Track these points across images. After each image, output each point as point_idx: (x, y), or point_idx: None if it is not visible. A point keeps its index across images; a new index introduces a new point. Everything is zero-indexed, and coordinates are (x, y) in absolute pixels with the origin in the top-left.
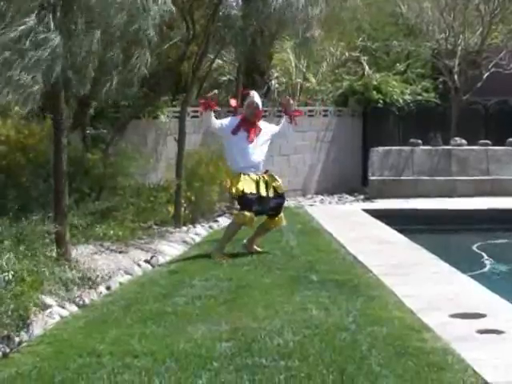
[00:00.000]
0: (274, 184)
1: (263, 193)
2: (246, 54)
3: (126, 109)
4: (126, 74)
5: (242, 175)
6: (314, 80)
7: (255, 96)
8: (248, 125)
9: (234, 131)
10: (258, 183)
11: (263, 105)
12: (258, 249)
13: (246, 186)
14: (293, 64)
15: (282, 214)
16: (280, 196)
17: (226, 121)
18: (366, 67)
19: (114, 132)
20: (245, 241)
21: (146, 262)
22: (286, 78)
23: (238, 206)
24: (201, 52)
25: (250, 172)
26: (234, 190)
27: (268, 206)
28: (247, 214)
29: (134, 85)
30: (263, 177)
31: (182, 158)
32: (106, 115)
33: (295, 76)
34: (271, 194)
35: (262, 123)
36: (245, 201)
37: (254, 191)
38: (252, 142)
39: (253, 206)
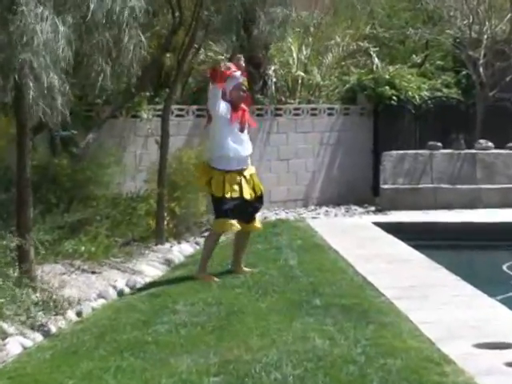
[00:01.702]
0: (256, 183)
1: (247, 195)
2: (239, 43)
3: (102, 106)
4: (121, 60)
5: (225, 173)
6: (317, 73)
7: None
8: (237, 110)
9: (232, 119)
10: (240, 184)
11: (259, 102)
12: (247, 269)
13: (230, 187)
14: (293, 55)
15: (257, 216)
16: (260, 198)
17: (223, 104)
18: (376, 59)
19: (87, 133)
20: (230, 265)
21: (123, 283)
22: (284, 70)
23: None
24: (188, 41)
25: (237, 169)
26: (213, 189)
27: (248, 212)
28: (230, 221)
29: (132, 71)
30: (249, 175)
31: (165, 164)
32: (78, 114)
33: (296, 68)
34: (252, 197)
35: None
36: (224, 205)
37: (238, 195)
38: (243, 131)
39: (232, 212)
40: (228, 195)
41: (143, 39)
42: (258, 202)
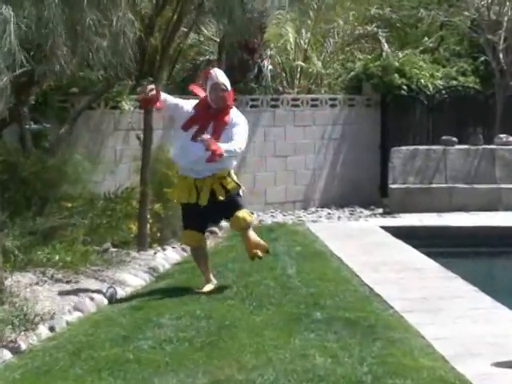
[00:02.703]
0: (225, 186)
1: (203, 202)
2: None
3: (78, 96)
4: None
5: (179, 178)
6: (316, 60)
7: (219, 74)
8: (207, 117)
9: (186, 126)
10: (196, 189)
11: (253, 91)
12: (213, 281)
13: (181, 192)
14: (291, 39)
15: (241, 212)
16: (229, 196)
17: (186, 105)
18: (385, 44)
19: (61, 127)
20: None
21: (102, 294)
22: (282, 56)
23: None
24: (174, 22)
25: (191, 174)
26: (174, 197)
27: (216, 216)
28: (188, 232)
29: (126, 52)
30: (208, 180)
31: (149, 160)
32: (51, 105)
33: (294, 55)
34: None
35: (233, 114)
36: (183, 214)
37: (193, 200)
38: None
39: (192, 220)
40: (183, 200)
41: (133, 19)
42: (227, 199)
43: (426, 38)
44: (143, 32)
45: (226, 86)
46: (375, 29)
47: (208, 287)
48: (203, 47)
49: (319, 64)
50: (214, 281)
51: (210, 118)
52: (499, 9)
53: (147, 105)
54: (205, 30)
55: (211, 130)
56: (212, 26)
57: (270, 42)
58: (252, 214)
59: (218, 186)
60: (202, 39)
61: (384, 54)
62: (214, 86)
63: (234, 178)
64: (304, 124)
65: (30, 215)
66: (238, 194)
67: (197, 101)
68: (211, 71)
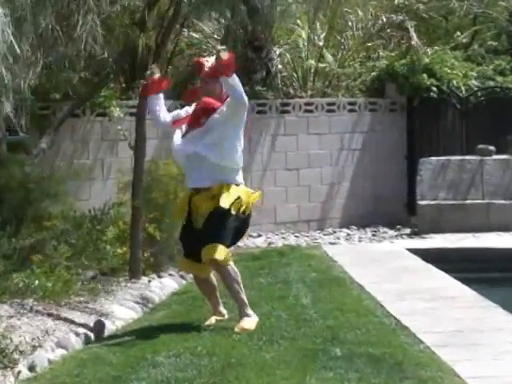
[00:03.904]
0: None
1: (198, 225)
2: (235, 20)
3: (59, 102)
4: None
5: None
6: (332, 60)
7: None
8: (196, 111)
9: (176, 123)
10: (189, 204)
11: (260, 95)
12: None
13: (178, 209)
14: (304, 35)
15: (215, 245)
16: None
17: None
18: (414, 36)
19: (41, 136)
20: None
21: (88, 329)
22: (293, 55)
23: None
24: (171, 15)
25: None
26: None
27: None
28: (184, 261)
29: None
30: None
31: (142, 174)
32: (31, 112)
33: (307, 53)
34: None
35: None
36: (179, 236)
37: (184, 219)
38: (188, 132)
39: (188, 245)
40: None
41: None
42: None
43: (459, 33)
44: (133, 29)
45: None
46: (401, 17)
47: (211, 320)
48: (204, 45)
49: (334, 64)
50: (224, 312)
51: (197, 110)
52: None
53: (148, 92)
54: (204, 27)
55: (195, 119)
56: (214, 22)
57: (280, 38)
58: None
59: (208, 205)
60: (200, 37)
61: (413, 47)
62: (203, 78)
63: (233, 193)
64: (319, 132)
65: (5, 236)
66: (223, 217)
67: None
68: (201, 60)
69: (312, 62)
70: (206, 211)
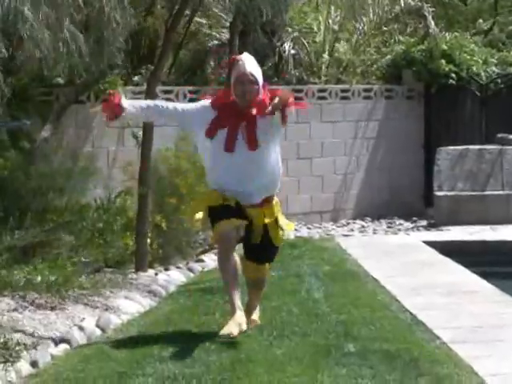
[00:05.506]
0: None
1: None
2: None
3: (63, 88)
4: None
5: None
6: (345, 47)
7: (247, 62)
8: (234, 118)
9: (210, 132)
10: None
11: (272, 80)
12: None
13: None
14: (320, 18)
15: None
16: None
17: (191, 108)
18: (431, 21)
19: (44, 124)
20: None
21: (93, 323)
22: (307, 39)
23: None
24: (180, 1)
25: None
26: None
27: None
28: (225, 221)
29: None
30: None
31: (148, 164)
32: (31, 99)
33: (323, 37)
34: None
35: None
36: (211, 214)
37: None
38: (233, 150)
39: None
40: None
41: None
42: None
43: (481, 21)
44: (142, 12)
45: (255, 77)
46: (419, 3)
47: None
48: (214, 32)
49: (348, 52)
50: (241, 308)
51: (238, 117)
52: None
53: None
54: (214, 9)
55: (244, 133)
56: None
57: (293, 21)
58: None
59: (271, 223)
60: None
61: (431, 34)
62: (241, 77)
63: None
64: (333, 120)
65: (7, 229)
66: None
67: (206, 99)
68: (238, 58)
69: (326, 46)
70: (274, 230)
